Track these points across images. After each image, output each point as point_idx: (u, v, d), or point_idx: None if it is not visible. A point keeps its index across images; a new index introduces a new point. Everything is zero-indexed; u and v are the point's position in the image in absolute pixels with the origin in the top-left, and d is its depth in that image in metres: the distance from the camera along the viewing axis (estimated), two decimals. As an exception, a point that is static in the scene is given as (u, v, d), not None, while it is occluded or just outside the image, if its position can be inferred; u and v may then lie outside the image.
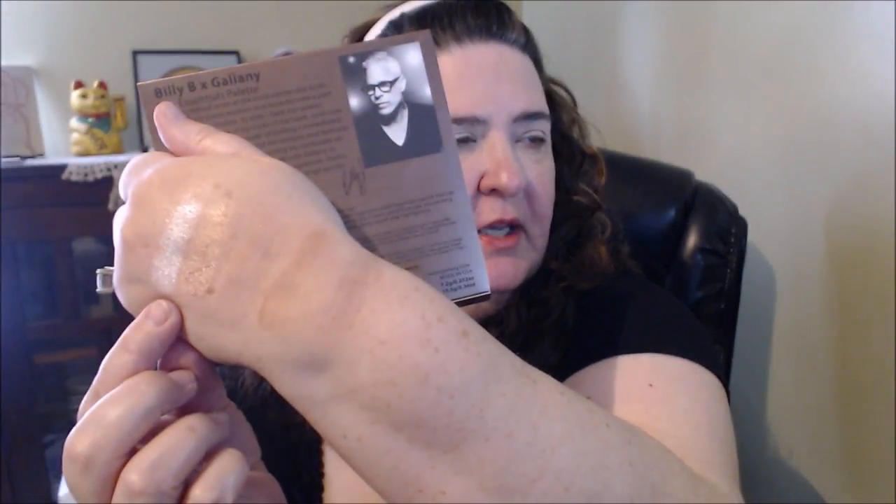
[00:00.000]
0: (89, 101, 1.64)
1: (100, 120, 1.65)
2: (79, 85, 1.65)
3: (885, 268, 0.82)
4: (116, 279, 0.31)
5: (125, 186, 0.32)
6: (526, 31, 0.59)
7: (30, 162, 1.55)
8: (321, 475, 0.60)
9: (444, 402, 0.28)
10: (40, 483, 1.56)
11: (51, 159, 1.62)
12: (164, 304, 0.29)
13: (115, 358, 0.30)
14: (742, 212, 0.90)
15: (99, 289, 0.35)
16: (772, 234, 1.00)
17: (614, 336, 0.52)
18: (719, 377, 0.50)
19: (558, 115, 0.63)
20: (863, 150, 0.85)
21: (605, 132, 0.73)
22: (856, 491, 0.90)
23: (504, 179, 0.52)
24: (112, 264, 0.32)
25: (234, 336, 0.29)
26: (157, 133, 0.33)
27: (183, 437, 0.29)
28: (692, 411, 0.45)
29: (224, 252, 0.28)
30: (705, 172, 0.93)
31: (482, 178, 0.54)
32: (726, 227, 0.87)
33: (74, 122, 1.65)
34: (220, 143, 0.32)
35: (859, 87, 0.85)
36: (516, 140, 0.56)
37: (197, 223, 0.29)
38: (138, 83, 0.35)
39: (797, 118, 0.96)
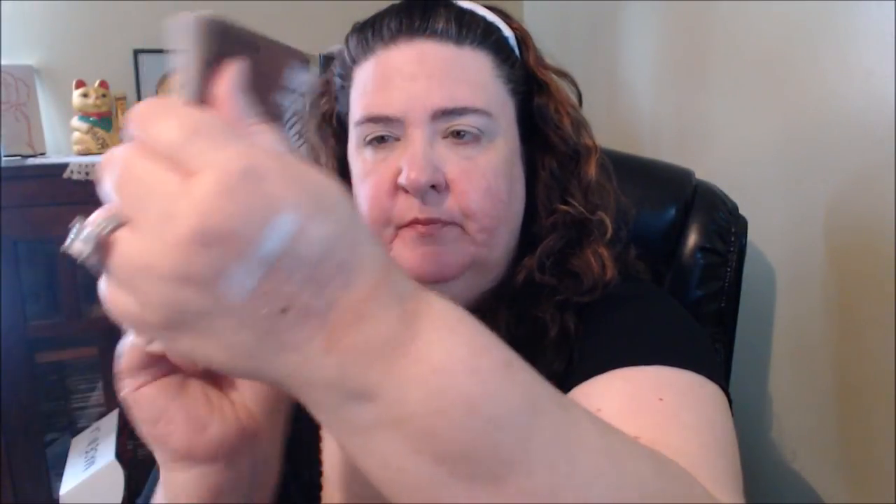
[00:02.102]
0: (90, 100, 1.64)
1: (101, 119, 1.65)
2: (80, 84, 1.65)
3: (885, 267, 0.82)
4: (159, 271, 0.25)
5: (187, 143, 0.26)
6: (470, 23, 0.57)
7: (31, 161, 1.55)
8: (320, 473, 0.60)
9: (490, 433, 0.27)
10: (41, 481, 1.56)
11: (52, 158, 1.62)
12: None
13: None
14: (742, 211, 0.90)
15: (71, 247, 0.27)
16: (772, 233, 1.00)
17: (620, 346, 0.52)
18: (722, 387, 0.50)
19: (545, 105, 0.61)
20: (863, 150, 0.85)
21: (605, 131, 0.72)
22: (856, 491, 0.90)
23: (404, 176, 0.53)
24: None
25: (292, 357, 0.27)
26: (201, 76, 0.32)
27: None
28: (699, 427, 0.45)
29: (310, 274, 0.26)
30: (705, 171, 0.93)
31: (398, 175, 0.54)
32: (726, 225, 0.87)
33: (76, 122, 1.65)
34: (267, 139, 0.29)
35: (859, 86, 0.85)
36: (443, 136, 0.55)
37: (294, 239, 0.26)
38: (198, 16, 0.32)
39: (797, 117, 0.96)
